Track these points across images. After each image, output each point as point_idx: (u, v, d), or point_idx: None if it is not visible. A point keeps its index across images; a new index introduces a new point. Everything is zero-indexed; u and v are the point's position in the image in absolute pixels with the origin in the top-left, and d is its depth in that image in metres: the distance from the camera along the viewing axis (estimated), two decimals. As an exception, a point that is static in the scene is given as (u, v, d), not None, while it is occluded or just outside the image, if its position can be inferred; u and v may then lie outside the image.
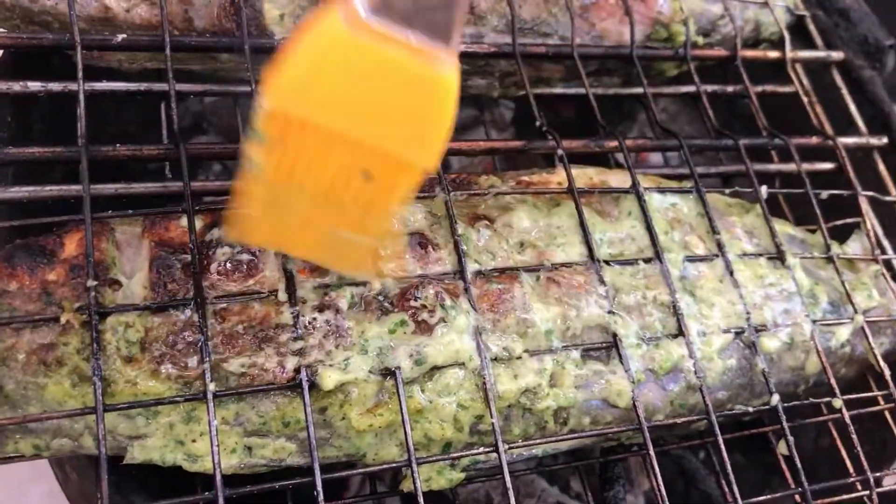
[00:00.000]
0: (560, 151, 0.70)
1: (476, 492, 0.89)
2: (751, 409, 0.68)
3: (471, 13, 0.77)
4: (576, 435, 0.63)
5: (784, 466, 0.72)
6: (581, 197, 0.68)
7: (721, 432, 0.63)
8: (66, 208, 0.63)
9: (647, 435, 0.61)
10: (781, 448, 0.71)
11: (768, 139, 0.82)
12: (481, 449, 0.60)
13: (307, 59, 0.44)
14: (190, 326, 0.56)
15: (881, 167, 0.86)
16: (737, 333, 0.67)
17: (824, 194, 0.80)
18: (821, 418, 0.74)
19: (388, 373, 0.58)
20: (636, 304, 0.66)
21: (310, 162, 0.48)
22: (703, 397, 0.64)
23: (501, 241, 0.65)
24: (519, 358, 0.61)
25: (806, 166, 0.80)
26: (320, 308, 0.59)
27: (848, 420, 0.68)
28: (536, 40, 0.80)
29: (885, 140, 0.87)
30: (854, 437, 0.68)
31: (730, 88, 0.88)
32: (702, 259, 0.70)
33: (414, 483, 0.56)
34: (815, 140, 0.84)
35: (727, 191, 0.79)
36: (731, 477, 0.62)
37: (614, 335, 0.64)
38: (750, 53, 0.88)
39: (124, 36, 0.67)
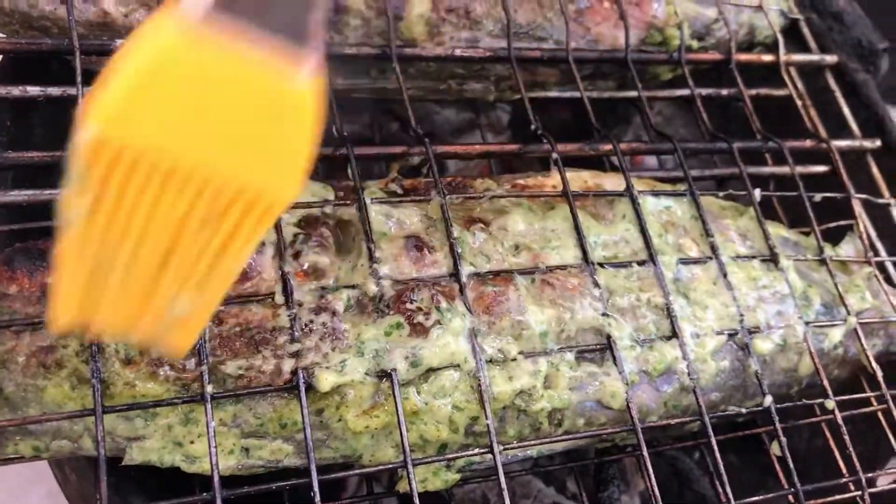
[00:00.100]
0: (555, 155, 0.71)
1: (472, 492, 0.90)
2: (744, 411, 0.68)
3: (466, 18, 0.78)
4: (570, 436, 0.64)
5: (778, 467, 0.73)
6: (576, 200, 0.69)
7: (714, 433, 0.63)
8: (65, 212, 0.63)
9: (641, 436, 0.61)
10: (774, 449, 0.72)
11: (762, 142, 0.83)
12: (476, 450, 0.60)
13: (135, 76, 0.36)
14: (188, 329, 0.57)
15: (874, 170, 0.86)
16: (730, 335, 0.68)
17: (818, 197, 0.80)
18: (813, 419, 0.74)
19: (384, 375, 0.58)
20: (630, 306, 0.66)
21: (143, 206, 0.38)
22: (697, 398, 0.64)
23: (496, 244, 0.66)
24: (514, 360, 0.61)
25: (800, 169, 0.81)
26: (317, 311, 0.59)
27: (840, 421, 0.69)
28: (532, 44, 0.80)
29: (878, 143, 0.88)
30: (846, 437, 0.68)
31: (724, 92, 0.88)
32: (695, 261, 0.70)
33: (410, 484, 0.56)
34: (808, 143, 0.85)
35: (721, 193, 0.80)
36: (725, 478, 0.62)
37: (608, 337, 0.64)
38: (744, 57, 0.88)
39: (123, 41, 0.67)
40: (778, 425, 0.66)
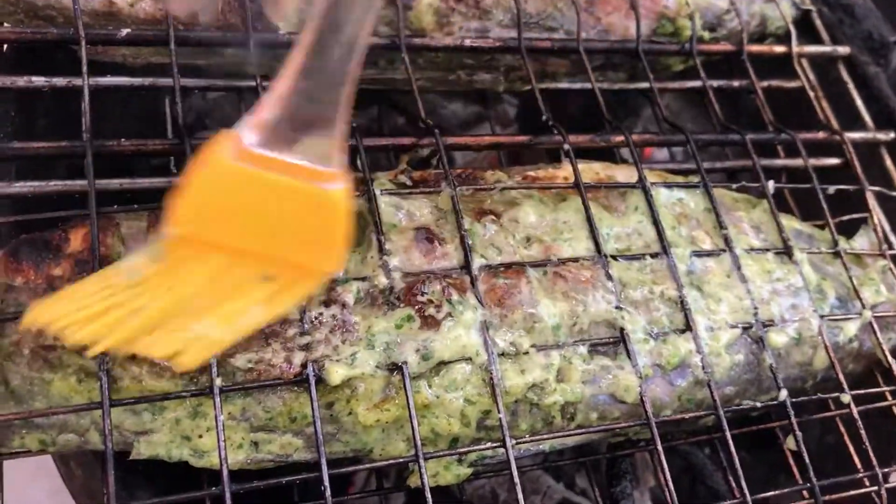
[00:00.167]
0: (566, 146, 0.70)
1: (482, 488, 0.89)
2: (758, 405, 0.67)
3: (476, 7, 0.77)
4: (583, 430, 0.63)
5: (791, 462, 0.72)
6: (587, 192, 0.68)
7: (728, 427, 0.63)
8: (70, 203, 0.62)
9: (655, 430, 0.60)
10: (789, 443, 0.71)
11: (775, 134, 0.82)
12: (488, 444, 0.60)
13: (200, 189, 0.49)
14: (196, 321, 0.56)
15: (888, 162, 0.85)
16: (744, 328, 0.67)
17: (831, 189, 0.79)
18: (827, 414, 0.74)
19: (395, 368, 0.57)
20: (643, 298, 0.65)
21: (210, 275, 0.50)
22: (711, 392, 0.63)
23: (508, 236, 0.65)
24: (526, 353, 0.61)
25: (812, 161, 0.80)
26: (327, 303, 0.58)
27: (856, 415, 0.68)
28: (542, 35, 0.79)
29: (891, 135, 0.87)
30: (862, 432, 0.68)
31: (736, 83, 0.87)
32: (709, 254, 0.69)
33: (421, 478, 0.55)
34: (821, 135, 0.84)
35: (734, 186, 0.79)
36: (740, 472, 0.62)
37: (622, 330, 0.63)
38: (756, 48, 0.87)
39: (129, 31, 0.67)
40: (793, 419, 0.65)
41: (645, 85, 0.81)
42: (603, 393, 0.63)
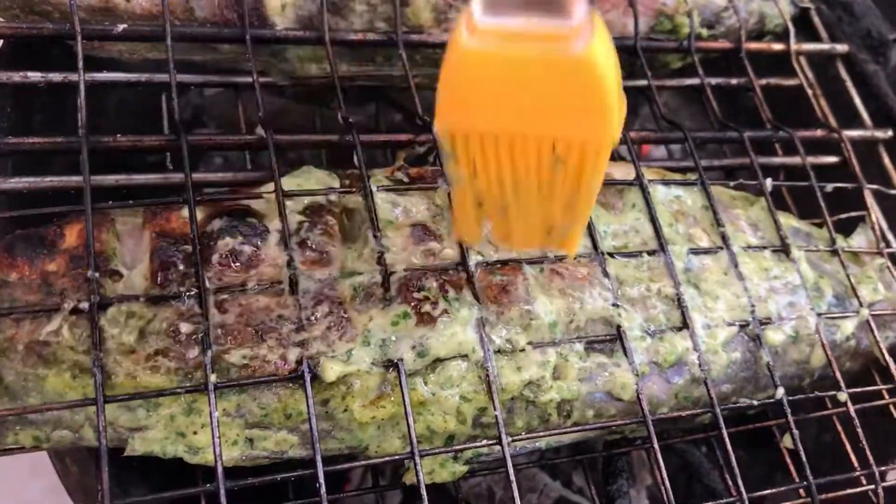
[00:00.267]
0: (564, 143, 0.69)
1: (478, 486, 0.89)
2: (755, 403, 0.67)
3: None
4: (579, 428, 0.63)
5: (788, 460, 0.72)
6: (585, 188, 0.67)
7: (725, 426, 0.62)
8: (66, 199, 0.62)
9: (652, 428, 0.60)
10: (786, 442, 0.71)
11: (772, 132, 0.82)
12: (484, 441, 0.59)
13: (450, 82, 0.46)
14: (191, 317, 0.56)
15: (886, 160, 0.85)
16: (741, 326, 0.67)
17: (829, 187, 0.79)
18: (824, 412, 0.73)
19: (391, 364, 0.57)
20: (640, 296, 0.65)
21: (499, 162, 0.49)
22: (708, 390, 0.63)
23: (504, 233, 0.65)
24: (522, 350, 0.61)
25: (810, 159, 0.80)
26: (322, 299, 0.58)
27: (853, 413, 0.68)
28: (540, 32, 0.79)
29: (890, 133, 0.87)
30: (859, 430, 0.67)
31: (734, 81, 0.87)
32: (706, 251, 0.69)
33: (417, 475, 0.55)
34: (819, 133, 0.84)
35: (732, 183, 0.78)
36: (736, 470, 0.62)
37: (618, 327, 0.63)
38: (754, 46, 0.87)
39: (125, 26, 0.66)
40: (790, 417, 0.65)
41: (643, 82, 0.81)
42: (599, 390, 0.63)
